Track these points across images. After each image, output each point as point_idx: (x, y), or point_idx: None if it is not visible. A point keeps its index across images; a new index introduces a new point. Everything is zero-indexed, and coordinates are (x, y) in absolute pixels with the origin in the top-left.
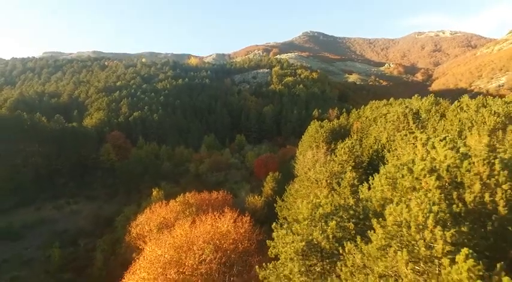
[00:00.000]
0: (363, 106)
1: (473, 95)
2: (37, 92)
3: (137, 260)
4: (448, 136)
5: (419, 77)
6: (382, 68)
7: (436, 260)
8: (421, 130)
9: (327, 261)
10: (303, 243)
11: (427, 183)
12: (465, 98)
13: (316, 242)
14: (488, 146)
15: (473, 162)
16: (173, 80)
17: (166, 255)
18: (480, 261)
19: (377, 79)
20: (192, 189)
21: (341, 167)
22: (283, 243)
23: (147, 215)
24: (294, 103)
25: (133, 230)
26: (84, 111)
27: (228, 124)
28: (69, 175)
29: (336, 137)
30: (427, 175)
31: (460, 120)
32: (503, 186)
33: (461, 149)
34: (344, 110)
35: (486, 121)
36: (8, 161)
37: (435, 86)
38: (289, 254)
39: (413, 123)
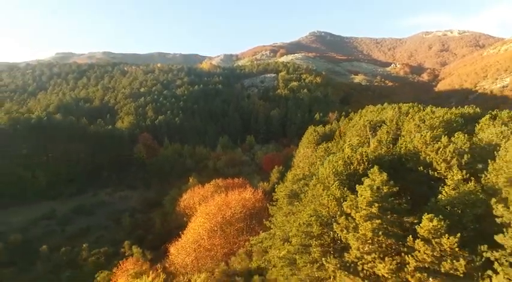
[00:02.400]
0: (359, 110)
1: (477, 96)
2: (72, 97)
3: (194, 216)
4: (350, 143)
5: (425, 77)
6: (388, 68)
7: (330, 187)
8: (373, 137)
9: (298, 198)
10: (288, 190)
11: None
12: (428, 109)
13: (294, 190)
14: (374, 148)
15: (357, 154)
16: (190, 86)
17: (213, 211)
18: (343, 186)
19: (383, 79)
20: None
21: (318, 159)
22: (280, 191)
23: (190, 194)
24: (298, 107)
25: (182, 203)
26: (115, 115)
27: (239, 126)
28: (110, 170)
29: (325, 139)
30: (340, 160)
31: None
32: (365, 163)
33: (356, 149)
34: (343, 113)
35: (412, 131)
36: (64, 157)
37: (441, 87)
38: (282, 196)
39: (369, 131)
